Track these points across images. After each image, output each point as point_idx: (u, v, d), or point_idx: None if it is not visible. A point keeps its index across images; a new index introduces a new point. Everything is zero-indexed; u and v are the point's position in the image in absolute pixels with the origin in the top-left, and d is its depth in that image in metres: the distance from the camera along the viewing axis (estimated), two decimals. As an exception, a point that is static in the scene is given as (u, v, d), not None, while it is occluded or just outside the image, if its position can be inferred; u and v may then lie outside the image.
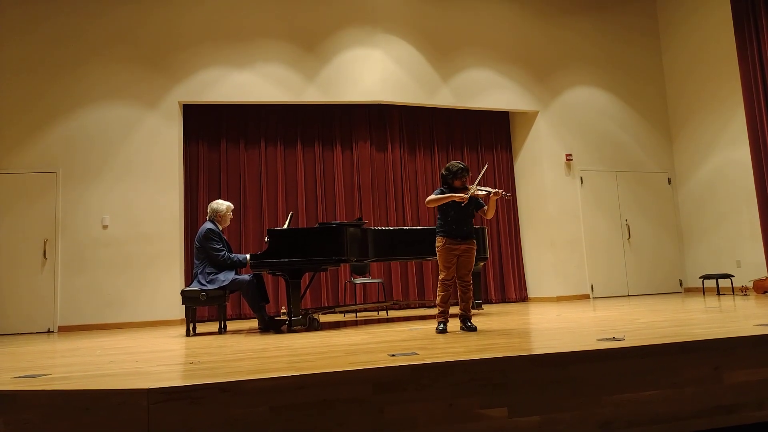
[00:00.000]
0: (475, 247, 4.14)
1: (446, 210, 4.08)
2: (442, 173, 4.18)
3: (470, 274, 4.13)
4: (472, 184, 4.10)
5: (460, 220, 4.06)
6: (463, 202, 3.99)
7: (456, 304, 4.17)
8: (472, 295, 4.16)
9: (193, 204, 7.65)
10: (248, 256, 5.19)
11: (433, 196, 4.09)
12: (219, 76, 7.53)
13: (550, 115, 8.68)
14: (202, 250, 5.18)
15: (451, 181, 4.12)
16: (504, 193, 4.03)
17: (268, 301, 5.46)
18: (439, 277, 4.11)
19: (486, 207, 4.15)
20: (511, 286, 8.55)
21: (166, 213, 7.22)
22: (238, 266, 5.21)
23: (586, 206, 8.60)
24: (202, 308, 6.76)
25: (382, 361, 2.50)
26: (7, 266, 6.78)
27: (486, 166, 4.96)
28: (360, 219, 5.89)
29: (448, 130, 8.78)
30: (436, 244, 4.10)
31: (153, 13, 7.49)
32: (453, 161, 4.23)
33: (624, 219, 8.77)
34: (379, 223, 8.16)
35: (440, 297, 4.07)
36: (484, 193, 4.07)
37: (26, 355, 3.95)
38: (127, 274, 7.01)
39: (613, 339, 2.88)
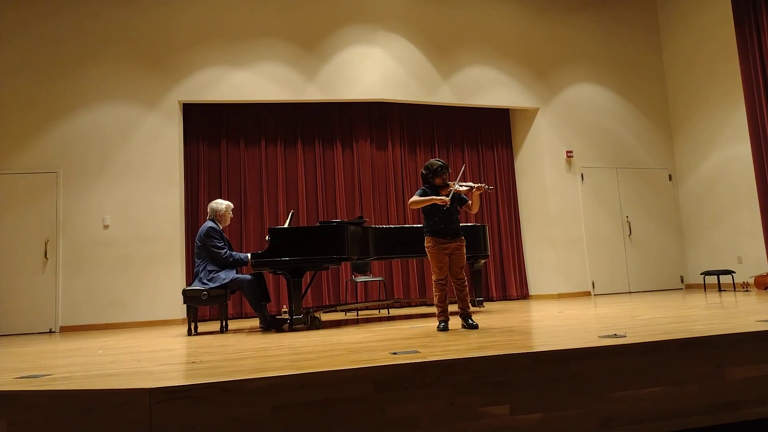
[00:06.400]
0: (464, 244, 4.14)
1: (432, 210, 4.08)
2: (423, 172, 4.17)
3: (463, 271, 4.13)
4: (454, 181, 4.11)
5: (446, 219, 4.07)
6: (445, 206, 3.99)
7: (455, 302, 4.17)
8: (468, 292, 4.15)
9: (194, 204, 7.66)
10: (249, 255, 5.21)
11: (415, 198, 4.08)
12: (219, 75, 7.53)
13: (550, 112, 8.67)
14: (203, 248, 5.20)
15: (432, 180, 4.12)
16: (486, 186, 4.04)
17: (269, 300, 5.47)
18: (433, 278, 4.11)
19: (470, 202, 4.16)
20: (512, 284, 8.54)
21: (166, 213, 7.22)
22: (239, 264, 5.23)
23: (586, 203, 8.59)
24: (204, 308, 6.77)
25: (383, 359, 2.50)
26: (8, 267, 6.78)
27: (464, 166, 4.97)
28: (361, 217, 5.87)
29: (449, 128, 8.77)
30: (426, 245, 4.10)
31: (152, 12, 7.49)
32: (432, 159, 4.23)
33: (625, 216, 8.76)
34: (380, 221, 8.16)
35: (437, 297, 4.07)
36: (467, 188, 4.07)
37: (28, 355, 3.95)
38: (129, 274, 7.02)
39: (615, 336, 2.88)
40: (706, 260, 8.53)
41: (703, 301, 5.68)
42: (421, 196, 4.09)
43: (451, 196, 4.01)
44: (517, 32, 8.69)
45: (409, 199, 4.25)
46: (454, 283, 4.12)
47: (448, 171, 4.14)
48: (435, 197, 4.00)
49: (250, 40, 7.67)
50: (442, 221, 4.06)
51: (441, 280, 4.07)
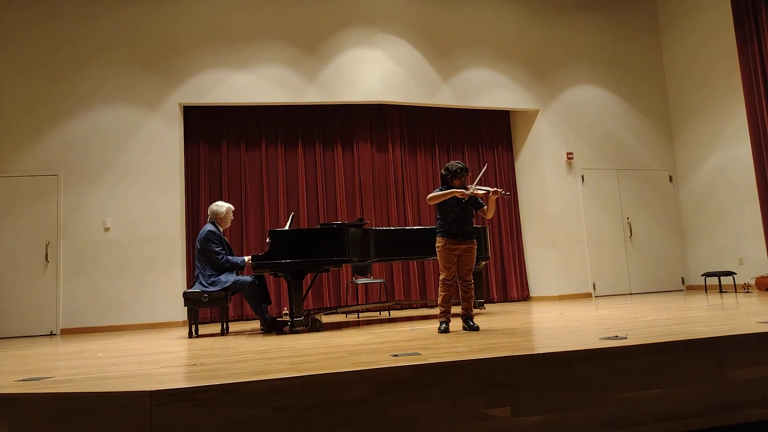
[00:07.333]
0: (476, 247, 4.14)
1: (446, 210, 4.09)
2: (442, 173, 4.20)
3: (471, 273, 4.13)
4: (472, 183, 4.12)
5: (460, 220, 4.07)
6: (464, 198, 4.00)
7: (457, 304, 4.17)
8: (473, 294, 4.17)
9: (195, 206, 7.66)
10: (247, 258, 5.21)
11: (434, 193, 4.11)
12: (219, 77, 7.54)
13: (550, 113, 8.67)
14: (203, 251, 5.20)
15: (451, 181, 4.14)
16: (503, 192, 4.05)
17: (269, 302, 5.47)
18: (440, 278, 4.12)
19: (486, 207, 4.17)
20: (513, 286, 8.54)
21: (167, 215, 7.22)
22: (236, 268, 5.23)
23: (587, 205, 8.59)
24: (204, 310, 6.76)
25: (384, 361, 2.50)
26: (9, 269, 6.78)
27: (486, 165, 4.97)
28: (361, 219, 5.88)
29: (449, 130, 8.77)
30: (437, 244, 4.11)
31: (152, 15, 7.50)
32: (452, 161, 4.25)
33: (626, 217, 8.75)
34: (381, 223, 8.16)
35: (441, 297, 4.07)
36: (484, 192, 4.08)
37: (29, 358, 3.95)
38: (129, 276, 7.02)
39: (616, 338, 2.88)
40: (707, 261, 8.52)
41: (704, 302, 5.68)
42: (440, 192, 4.10)
43: (469, 193, 4.02)
44: (517, 34, 8.69)
45: (422, 200, 4.26)
46: (460, 285, 4.12)
47: (467, 174, 4.15)
48: (455, 190, 4.01)
49: (251, 42, 7.68)
50: (455, 222, 4.06)
51: (448, 280, 4.07)
